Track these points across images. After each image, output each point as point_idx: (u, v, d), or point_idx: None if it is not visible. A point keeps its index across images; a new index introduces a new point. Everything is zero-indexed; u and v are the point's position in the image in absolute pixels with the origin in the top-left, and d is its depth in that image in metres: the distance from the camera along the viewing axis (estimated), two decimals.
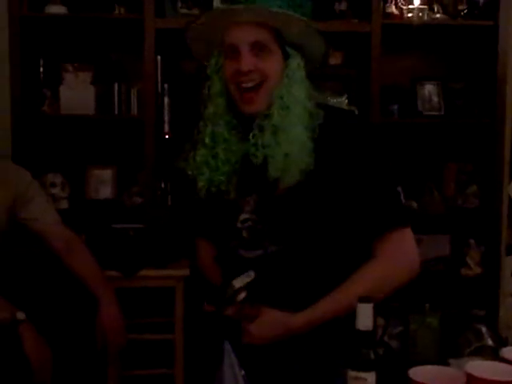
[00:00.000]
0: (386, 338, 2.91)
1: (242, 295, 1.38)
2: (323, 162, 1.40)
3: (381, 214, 1.41)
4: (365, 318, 1.18)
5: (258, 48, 1.40)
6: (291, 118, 1.40)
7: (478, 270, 3.07)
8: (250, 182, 1.48)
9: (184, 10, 2.92)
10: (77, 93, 2.87)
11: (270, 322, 1.39)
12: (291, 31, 1.42)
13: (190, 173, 1.49)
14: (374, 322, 1.20)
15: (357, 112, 2.84)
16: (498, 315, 3.01)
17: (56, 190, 2.84)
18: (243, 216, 1.48)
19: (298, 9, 1.42)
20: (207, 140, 1.47)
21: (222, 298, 1.39)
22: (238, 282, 1.38)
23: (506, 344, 2.66)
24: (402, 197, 1.53)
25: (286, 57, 1.44)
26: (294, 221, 1.42)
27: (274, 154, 1.39)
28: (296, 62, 1.44)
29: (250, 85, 1.41)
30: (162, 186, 2.88)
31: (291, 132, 1.40)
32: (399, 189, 1.50)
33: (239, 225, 1.48)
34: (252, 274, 1.39)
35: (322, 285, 1.41)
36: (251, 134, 1.42)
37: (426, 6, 2.98)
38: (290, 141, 1.39)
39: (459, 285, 3.08)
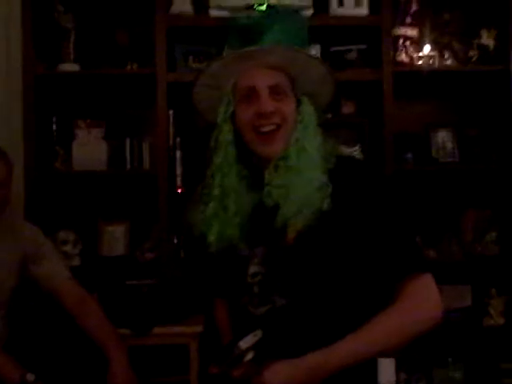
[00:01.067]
0: None
1: (250, 356, 1.32)
2: (334, 207, 1.36)
3: (399, 259, 1.36)
4: (386, 372, 1.14)
5: (276, 92, 1.40)
6: (307, 159, 1.39)
7: (501, 320, 2.97)
8: (259, 231, 1.44)
9: (195, 65, 2.96)
10: (89, 149, 2.88)
11: (285, 366, 1.32)
12: (310, 75, 1.43)
13: (199, 227, 1.46)
14: (396, 376, 1.15)
15: (366, 160, 2.83)
16: None
17: (68, 248, 2.82)
18: (252, 269, 1.44)
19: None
20: (216, 192, 1.44)
21: (228, 359, 1.32)
22: (244, 343, 1.32)
23: None
24: (419, 244, 1.48)
25: (298, 103, 1.44)
26: (302, 271, 1.37)
27: (288, 194, 1.37)
28: (309, 107, 1.44)
29: (270, 128, 1.40)
30: (175, 240, 2.85)
31: (308, 172, 1.38)
32: (417, 238, 1.46)
33: (250, 279, 1.44)
34: (259, 334, 1.34)
35: (333, 338, 1.34)
36: (266, 172, 1.40)
37: (436, 53, 2.99)
38: (308, 180, 1.37)
39: (482, 336, 2.99)
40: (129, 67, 2.92)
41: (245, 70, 1.41)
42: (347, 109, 3.10)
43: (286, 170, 1.39)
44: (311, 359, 1.31)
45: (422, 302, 1.36)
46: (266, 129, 1.39)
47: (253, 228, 1.45)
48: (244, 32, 1.43)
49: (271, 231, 1.40)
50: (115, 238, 2.91)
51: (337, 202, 1.36)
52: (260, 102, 1.39)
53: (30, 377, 1.89)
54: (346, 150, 2.92)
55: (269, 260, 1.41)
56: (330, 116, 2.93)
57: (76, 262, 2.82)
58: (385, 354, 1.33)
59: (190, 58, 2.97)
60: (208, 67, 1.46)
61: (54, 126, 2.96)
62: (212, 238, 1.45)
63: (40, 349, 2.10)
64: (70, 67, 2.87)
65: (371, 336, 1.33)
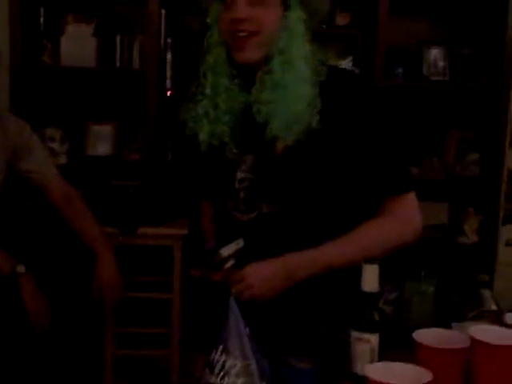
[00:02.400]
0: (380, 304, 2.93)
1: (230, 263, 1.36)
2: (323, 121, 1.35)
3: (384, 177, 1.38)
4: (370, 279, 1.18)
5: None
6: (294, 73, 1.36)
7: (474, 238, 3.07)
8: (249, 139, 1.44)
9: None
10: (78, 44, 2.82)
11: (265, 264, 1.35)
12: None
13: (191, 125, 1.46)
14: (380, 283, 1.20)
15: (359, 73, 2.82)
16: (493, 283, 3.03)
17: (55, 145, 2.81)
18: (240, 175, 1.44)
19: None
20: (208, 90, 1.42)
21: (209, 265, 1.37)
22: (225, 251, 1.36)
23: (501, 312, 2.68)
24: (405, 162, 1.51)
25: (286, 8, 1.38)
26: (290, 181, 1.39)
27: (276, 111, 1.35)
28: (296, 14, 1.38)
29: (243, 34, 1.35)
30: (163, 142, 2.85)
31: (295, 88, 1.35)
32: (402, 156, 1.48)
33: (237, 185, 1.45)
34: (241, 243, 1.38)
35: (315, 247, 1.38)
36: (253, 89, 1.39)
37: None
38: (296, 96, 1.35)
39: (456, 252, 3.09)
40: None
41: None
42: (342, 20, 3.05)
43: (273, 84, 1.36)
44: (290, 259, 1.35)
45: (404, 216, 1.41)
46: (240, 34, 1.35)
47: (243, 132, 1.44)
48: None
49: (261, 141, 1.40)
50: (102, 137, 2.90)
51: (327, 116, 1.35)
52: (234, 8, 1.35)
53: (21, 268, 1.91)
54: (338, 62, 2.91)
55: (257, 168, 1.42)
56: (323, 27, 2.89)
57: (63, 160, 2.82)
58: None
59: None
60: None
61: (42, 19, 2.89)
62: (203, 135, 1.44)
63: (29, 242, 2.13)
64: None
65: (352, 244, 1.37)
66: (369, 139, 1.38)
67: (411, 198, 1.42)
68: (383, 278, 2.89)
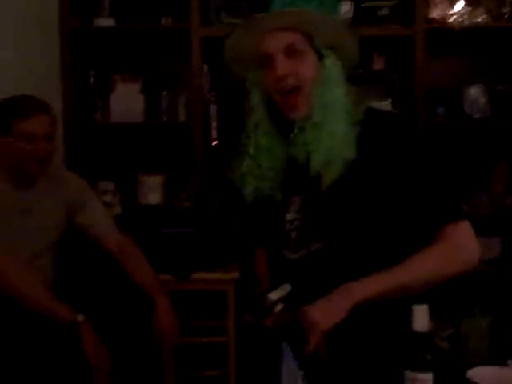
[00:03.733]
0: (437, 340, 2.90)
1: (279, 307, 1.39)
2: (366, 156, 1.41)
3: (437, 206, 1.40)
4: (421, 319, 1.19)
5: (291, 52, 1.43)
6: (331, 114, 1.43)
7: None
8: (294, 182, 1.50)
9: (228, 19, 2.97)
10: (127, 102, 2.93)
11: (319, 301, 1.36)
12: (323, 32, 1.44)
13: (236, 184, 1.53)
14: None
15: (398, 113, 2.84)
16: None
17: (108, 198, 2.89)
18: (289, 216, 1.50)
19: (328, 10, 1.46)
20: (251, 150, 1.51)
21: (259, 309, 1.39)
22: (273, 295, 1.39)
23: None
24: (456, 191, 1.49)
25: (321, 58, 1.46)
26: (337, 216, 1.42)
27: (315, 149, 1.42)
28: (331, 61, 1.46)
29: (288, 88, 1.43)
30: (211, 190, 2.92)
31: (331, 126, 1.42)
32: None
33: (288, 226, 1.50)
34: (288, 288, 1.41)
35: None
36: (292, 135, 1.45)
37: (469, 9, 2.97)
38: (331, 133, 1.41)
39: (510, 287, 3.04)
40: (163, 21, 2.95)
41: (261, 37, 1.45)
42: (378, 64, 3.10)
43: (311, 127, 1.43)
44: (342, 286, 1.36)
45: (460, 244, 1.40)
46: (285, 90, 1.44)
47: (288, 179, 1.52)
48: None
49: (306, 181, 1.46)
50: (153, 187, 2.98)
51: (368, 151, 1.41)
52: (275, 67, 1.43)
53: (80, 317, 1.97)
54: (377, 104, 2.94)
55: (306, 207, 1.48)
56: (360, 71, 2.94)
57: (117, 210, 2.90)
58: (417, 292, 1.38)
59: (223, 12, 2.98)
60: (232, 33, 1.51)
61: (92, 79, 3.01)
62: (248, 192, 1.52)
63: (87, 292, 2.20)
64: (106, 22, 2.91)
65: (406, 271, 1.37)
66: (416, 170, 1.41)
67: (465, 226, 1.42)
68: (439, 316, 2.86)
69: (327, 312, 1.34)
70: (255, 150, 1.51)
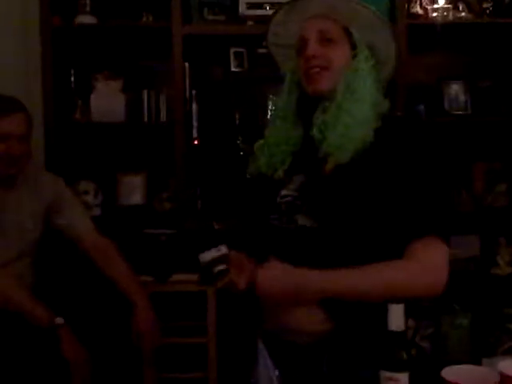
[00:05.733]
0: (417, 340, 2.91)
1: (220, 267, 1.38)
2: (374, 153, 1.42)
3: (414, 219, 1.38)
4: (397, 318, 1.18)
5: (324, 39, 1.49)
6: (356, 100, 1.46)
7: (508, 269, 3.04)
8: (301, 162, 1.54)
9: (210, 16, 2.96)
10: (107, 101, 2.91)
11: (279, 272, 1.38)
12: (359, 23, 1.49)
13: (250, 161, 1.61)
14: (405, 322, 1.21)
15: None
16: None
17: (89, 198, 2.87)
18: (284, 192, 1.53)
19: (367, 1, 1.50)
20: (267, 131, 1.61)
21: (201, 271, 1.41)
22: (204, 257, 1.39)
23: None
24: (446, 206, 1.43)
25: (353, 47, 1.51)
26: (330, 199, 1.43)
27: (332, 129, 1.44)
28: (363, 54, 1.50)
29: (315, 70, 1.49)
30: (192, 190, 2.91)
31: (354, 111, 1.45)
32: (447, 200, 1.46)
33: (279, 199, 1.53)
34: (223, 249, 1.40)
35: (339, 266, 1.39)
36: (314, 116, 1.49)
37: (450, 5, 2.97)
38: (352, 117, 1.44)
39: (490, 284, 3.06)
40: (144, 19, 2.94)
41: (301, 24, 1.53)
42: None
43: (334, 108, 1.46)
44: (304, 276, 1.38)
45: (426, 267, 1.37)
46: (312, 70, 1.49)
47: (297, 158, 1.56)
48: None
49: (313, 162, 1.49)
50: (133, 187, 2.97)
51: (377, 150, 1.42)
52: (306, 48, 1.50)
53: (59, 320, 1.97)
54: None
55: (304, 187, 1.50)
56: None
57: (97, 211, 2.88)
58: (374, 301, 1.35)
59: (205, 9, 2.97)
60: (272, 19, 1.60)
61: (73, 79, 2.99)
62: (255, 166, 1.60)
63: (66, 295, 2.18)
64: (87, 19, 2.88)
65: (367, 280, 1.37)
66: (408, 178, 1.42)
67: (437, 246, 1.38)
68: (419, 314, 2.87)
69: (273, 282, 1.37)
70: (271, 131, 1.59)
